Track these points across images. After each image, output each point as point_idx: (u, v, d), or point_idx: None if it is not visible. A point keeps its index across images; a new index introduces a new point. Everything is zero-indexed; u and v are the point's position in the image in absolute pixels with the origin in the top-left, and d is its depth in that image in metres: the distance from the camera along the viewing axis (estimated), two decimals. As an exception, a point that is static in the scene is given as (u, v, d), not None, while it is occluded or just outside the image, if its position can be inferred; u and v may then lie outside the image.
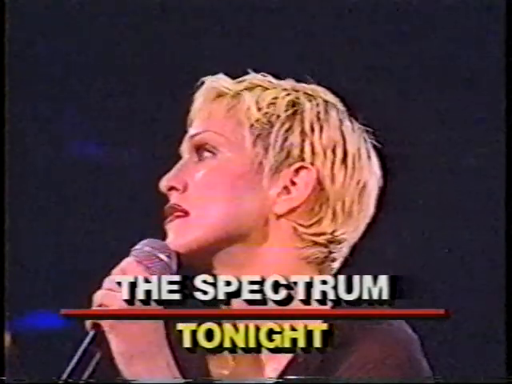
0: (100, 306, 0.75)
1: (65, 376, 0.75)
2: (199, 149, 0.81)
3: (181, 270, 0.80)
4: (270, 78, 0.82)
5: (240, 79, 0.81)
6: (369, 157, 0.80)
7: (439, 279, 4.38)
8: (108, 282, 0.76)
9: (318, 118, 0.78)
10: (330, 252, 0.78)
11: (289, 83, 0.82)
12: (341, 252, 0.79)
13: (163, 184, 0.81)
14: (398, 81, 4.17)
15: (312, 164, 0.77)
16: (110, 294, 0.76)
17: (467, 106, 2.87)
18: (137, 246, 0.79)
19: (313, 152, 0.78)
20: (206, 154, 0.80)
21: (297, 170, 0.78)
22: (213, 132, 0.80)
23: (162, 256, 0.78)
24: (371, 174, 0.80)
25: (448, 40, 4.17)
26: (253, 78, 0.82)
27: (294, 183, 0.77)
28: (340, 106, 0.82)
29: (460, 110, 4.03)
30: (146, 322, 0.75)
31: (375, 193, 0.81)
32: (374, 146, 0.83)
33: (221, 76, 0.82)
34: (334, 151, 0.78)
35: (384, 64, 3.69)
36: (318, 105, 0.79)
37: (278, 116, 0.78)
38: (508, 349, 2.64)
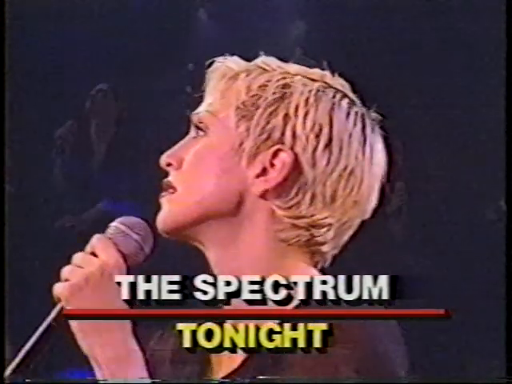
0: (66, 280, 0.77)
1: (24, 351, 0.75)
2: (197, 127, 0.83)
3: (157, 247, 0.81)
4: (277, 61, 0.82)
5: (247, 63, 0.83)
6: (366, 142, 0.80)
7: (439, 279, 4.36)
8: (77, 258, 0.78)
9: (306, 103, 0.78)
10: (313, 235, 0.78)
11: (294, 67, 0.82)
12: (326, 236, 0.78)
13: (162, 159, 0.83)
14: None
15: (292, 148, 0.77)
16: (76, 269, 0.77)
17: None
18: (112, 223, 0.80)
19: (293, 136, 0.78)
20: (200, 132, 0.82)
21: (275, 153, 0.78)
22: (208, 111, 0.82)
23: (132, 234, 0.79)
24: (367, 161, 0.79)
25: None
26: (260, 60, 0.82)
27: (272, 165, 0.78)
28: (349, 91, 0.82)
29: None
30: (100, 297, 0.76)
31: (373, 180, 0.80)
32: (386, 136, 0.83)
33: (231, 57, 0.83)
34: (317, 136, 0.77)
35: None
36: (311, 90, 0.79)
37: (266, 99, 0.79)
38: (508, 349, 2.66)
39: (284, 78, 0.80)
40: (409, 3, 6.23)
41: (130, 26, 6.68)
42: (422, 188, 4.24)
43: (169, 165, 0.82)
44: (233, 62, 0.83)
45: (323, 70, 0.83)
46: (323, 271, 0.81)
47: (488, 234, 5.67)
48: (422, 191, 4.22)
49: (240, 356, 0.78)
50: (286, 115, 0.78)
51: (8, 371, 0.76)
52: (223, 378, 0.79)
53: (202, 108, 0.83)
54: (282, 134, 0.78)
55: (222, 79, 0.82)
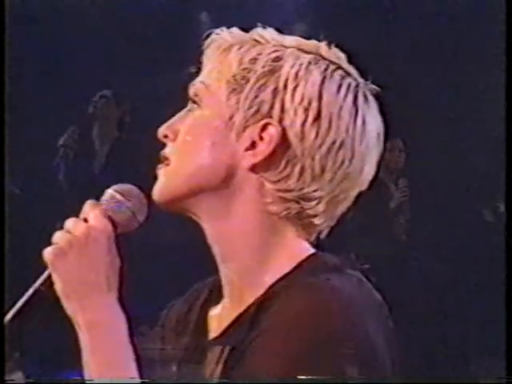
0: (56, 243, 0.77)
1: (11, 314, 0.76)
2: (192, 99, 0.82)
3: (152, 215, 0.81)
4: (273, 33, 0.81)
5: (243, 34, 0.81)
6: (357, 114, 0.78)
7: (439, 277, 4.29)
8: (67, 223, 0.78)
9: (296, 76, 0.77)
10: (303, 208, 0.77)
11: (289, 39, 0.81)
12: (317, 208, 0.77)
13: (160, 131, 0.82)
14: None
15: (280, 121, 0.76)
16: (63, 234, 0.77)
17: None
18: (107, 190, 0.80)
19: (282, 110, 0.76)
20: (195, 105, 0.81)
21: (264, 127, 0.77)
22: (202, 84, 0.81)
23: (126, 201, 0.79)
24: (359, 133, 0.78)
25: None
26: (256, 32, 0.81)
27: (261, 139, 0.76)
28: (344, 63, 0.80)
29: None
30: (84, 261, 0.76)
31: (366, 152, 0.79)
32: (383, 109, 0.81)
33: (229, 29, 0.81)
34: (306, 110, 0.76)
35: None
36: (302, 63, 0.78)
37: (256, 72, 0.78)
38: (508, 349, 2.65)
39: (275, 51, 0.79)
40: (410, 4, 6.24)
41: (131, 31, 6.69)
42: (422, 187, 4.23)
43: (165, 137, 0.82)
44: (228, 34, 0.81)
45: (319, 41, 0.81)
46: (319, 244, 0.81)
47: (486, 234, 5.67)
48: (422, 190, 4.21)
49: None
50: (275, 89, 0.77)
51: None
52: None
53: (197, 80, 0.82)
54: (271, 107, 0.77)
55: (217, 51, 0.81)
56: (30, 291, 0.77)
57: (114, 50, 6.51)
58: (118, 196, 0.79)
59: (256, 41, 0.80)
